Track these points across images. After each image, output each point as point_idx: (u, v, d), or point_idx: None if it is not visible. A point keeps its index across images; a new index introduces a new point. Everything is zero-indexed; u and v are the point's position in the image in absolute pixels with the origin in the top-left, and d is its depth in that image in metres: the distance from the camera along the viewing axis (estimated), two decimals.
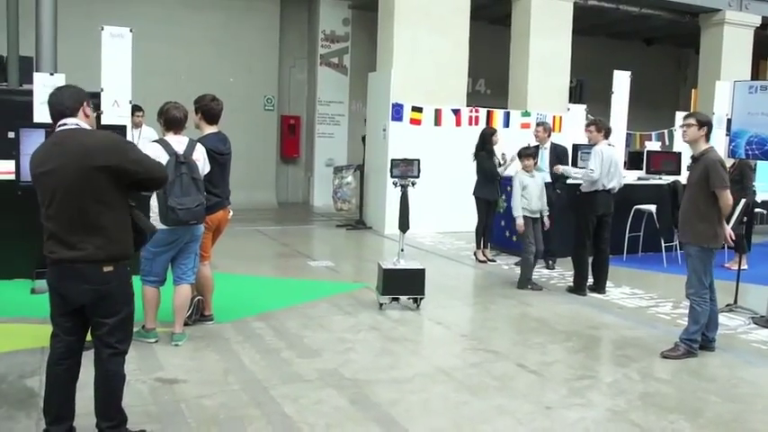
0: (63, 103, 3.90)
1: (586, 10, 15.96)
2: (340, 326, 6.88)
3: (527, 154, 9.03)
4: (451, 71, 13.37)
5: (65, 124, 3.88)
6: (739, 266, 8.36)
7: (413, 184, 7.73)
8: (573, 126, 14.28)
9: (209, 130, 6.52)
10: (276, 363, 5.73)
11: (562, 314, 7.67)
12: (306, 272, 9.44)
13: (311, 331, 6.64)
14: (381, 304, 7.48)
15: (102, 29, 8.81)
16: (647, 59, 20.81)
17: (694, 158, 6.30)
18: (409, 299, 7.59)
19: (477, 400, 5.11)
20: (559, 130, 14.12)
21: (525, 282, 8.84)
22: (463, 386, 5.38)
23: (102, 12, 13.50)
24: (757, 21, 17.44)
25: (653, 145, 14.82)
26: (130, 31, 8.89)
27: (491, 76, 18.04)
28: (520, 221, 8.75)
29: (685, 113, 6.49)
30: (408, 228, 7.78)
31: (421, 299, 7.57)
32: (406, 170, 7.65)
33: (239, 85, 15.96)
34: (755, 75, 18.58)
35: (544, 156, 10.10)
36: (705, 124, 6.27)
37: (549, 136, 10.32)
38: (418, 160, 7.76)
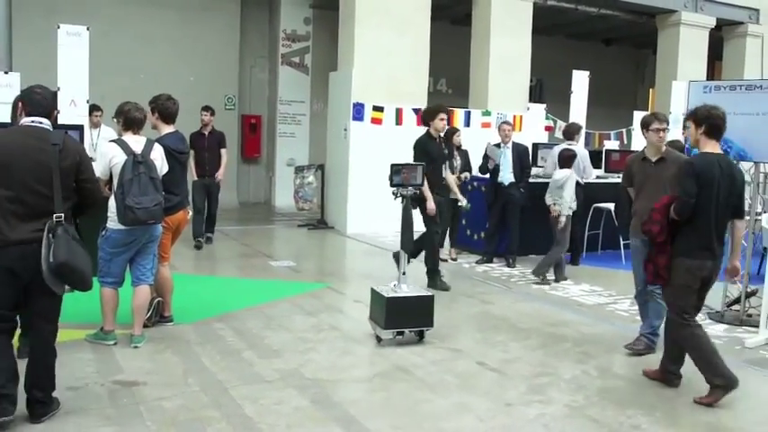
0: (50, 105, 4.59)
1: (546, 10, 16.10)
2: (301, 326, 6.87)
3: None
4: (412, 70, 13.40)
5: (41, 123, 4.45)
6: None
7: (416, 194, 6.84)
8: (533, 125, 14.43)
9: (167, 129, 6.50)
10: (237, 364, 5.70)
11: (523, 312, 7.74)
12: (267, 272, 9.40)
13: (272, 332, 6.63)
14: (380, 339, 6.35)
15: (59, 27, 8.69)
16: (606, 59, 21.05)
17: (661, 158, 6.19)
18: (411, 331, 6.43)
19: (439, 397, 5.14)
20: (520, 129, 14.23)
21: (545, 268, 9.26)
22: (424, 384, 5.40)
23: (59, 9, 13.31)
24: (712, 22, 17.75)
25: (611, 144, 14.99)
26: (87, 29, 8.79)
27: (452, 76, 18.11)
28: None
29: (662, 116, 6.39)
30: (412, 248, 6.91)
31: (427, 330, 6.51)
32: (408, 177, 6.55)
33: (200, 85, 15.83)
34: (711, 75, 18.88)
35: (506, 154, 10.15)
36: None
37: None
38: (423, 165, 6.81)
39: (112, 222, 5.76)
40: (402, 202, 6.63)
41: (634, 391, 5.45)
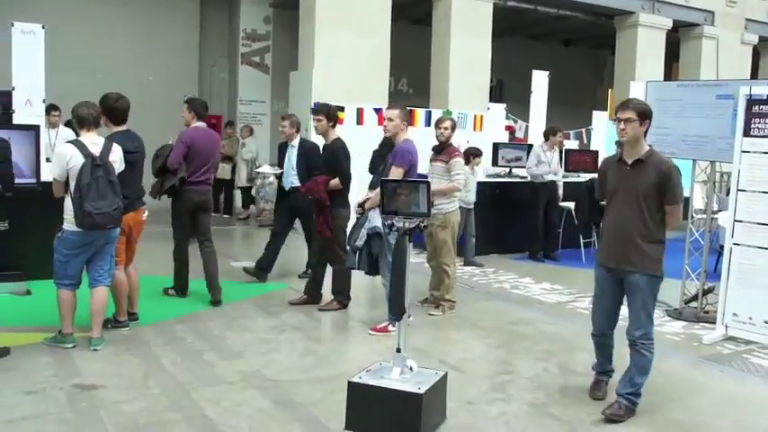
0: None
1: (506, 11, 16.20)
2: (263, 326, 6.83)
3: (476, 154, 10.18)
4: (373, 70, 13.39)
5: None
6: None
7: (420, 229, 4.66)
8: (494, 125, 14.50)
9: (117, 129, 6.35)
10: (198, 365, 5.65)
11: (483, 311, 7.77)
12: (228, 273, 9.29)
13: (233, 332, 6.58)
14: None
15: (13, 25, 8.52)
16: (565, 60, 21.25)
17: (639, 160, 4.85)
18: None
19: None
20: (480, 129, 14.31)
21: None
22: None
23: (13, 7, 13.08)
24: (668, 24, 18.01)
25: (571, 144, 15.13)
26: (43, 27, 8.63)
27: (413, 76, 18.14)
28: None
29: (621, 103, 4.97)
30: (405, 311, 4.67)
31: None
32: (406, 201, 4.53)
33: (159, 84, 15.68)
34: (668, 76, 19.16)
35: (292, 155, 8.72)
36: (646, 116, 4.87)
37: (297, 132, 8.79)
38: (427, 183, 4.62)
39: (69, 224, 5.66)
40: (395, 236, 4.79)
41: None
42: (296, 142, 8.76)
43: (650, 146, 4.92)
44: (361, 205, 6.76)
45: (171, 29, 16.25)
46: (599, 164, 5.83)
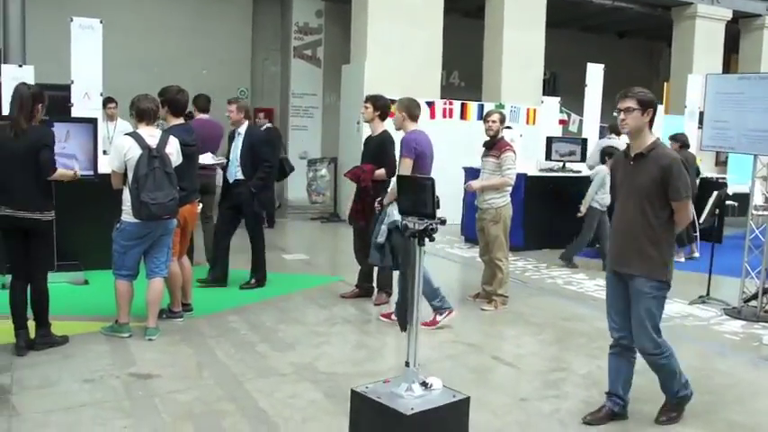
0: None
1: (560, 2, 15.99)
2: (315, 319, 6.86)
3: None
4: (425, 64, 13.36)
5: None
6: (711, 258, 8.38)
7: (429, 234, 3.86)
8: (547, 118, 14.33)
9: (176, 121, 6.45)
10: (251, 357, 5.70)
11: (536, 306, 7.70)
12: (280, 265, 9.38)
13: (286, 325, 6.62)
14: None
15: (72, 20, 8.67)
16: (620, 52, 20.92)
17: (640, 154, 4.46)
18: None
19: None
20: (534, 123, 14.17)
21: (571, 254, 10.07)
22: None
23: (72, 2, 13.31)
24: (728, 14, 17.62)
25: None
26: (101, 22, 8.77)
27: (465, 69, 18.03)
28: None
29: (621, 92, 4.53)
30: (409, 322, 4.04)
31: None
32: (413, 200, 3.96)
33: (212, 78, 15.79)
34: (727, 68, 18.74)
35: (238, 144, 7.86)
36: (649, 105, 4.48)
37: (246, 117, 8.04)
38: (431, 181, 3.89)
39: (127, 215, 5.75)
40: (401, 236, 4.30)
41: (650, 387, 5.37)
42: (242, 129, 7.86)
43: (657, 138, 4.53)
44: (380, 201, 6.73)
45: (224, 23, 16.40)
46: None
